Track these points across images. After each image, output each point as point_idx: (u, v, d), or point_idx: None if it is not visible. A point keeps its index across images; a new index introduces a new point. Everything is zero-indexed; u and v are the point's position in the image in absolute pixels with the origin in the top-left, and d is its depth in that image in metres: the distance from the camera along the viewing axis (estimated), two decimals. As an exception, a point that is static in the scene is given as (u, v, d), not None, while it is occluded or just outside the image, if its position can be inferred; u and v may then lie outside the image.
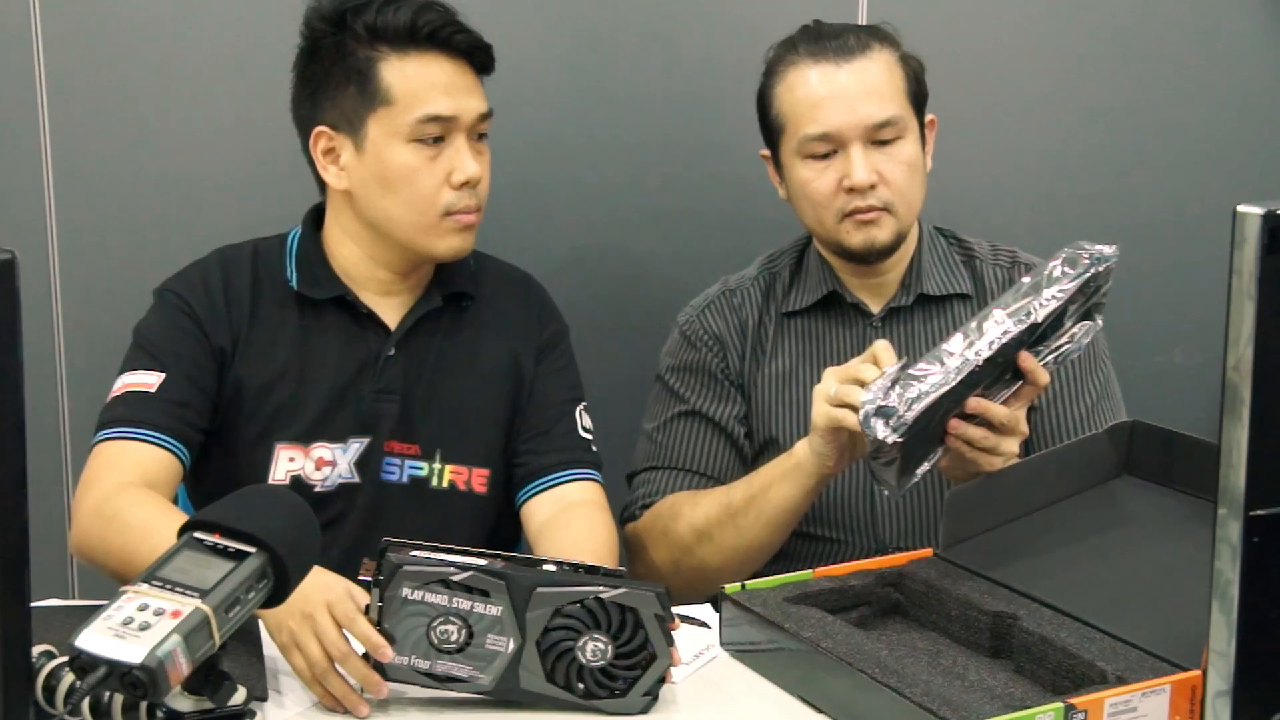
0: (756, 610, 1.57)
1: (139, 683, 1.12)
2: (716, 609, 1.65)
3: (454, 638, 1.46)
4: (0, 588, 1.10)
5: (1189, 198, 2.49)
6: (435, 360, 1.94)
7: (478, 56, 1.88)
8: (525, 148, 2.29)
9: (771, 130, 1.99)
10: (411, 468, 1.92)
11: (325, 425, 1.89)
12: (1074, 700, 1.32)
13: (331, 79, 1.85)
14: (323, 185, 1.92)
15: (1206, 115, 2.49)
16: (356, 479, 1.90)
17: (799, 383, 1.99)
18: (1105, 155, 2.49)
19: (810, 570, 1.67)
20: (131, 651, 1.12)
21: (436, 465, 1.92)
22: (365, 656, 1.47)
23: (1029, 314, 1.60)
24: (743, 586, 1.64)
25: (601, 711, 1.48)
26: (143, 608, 1.16)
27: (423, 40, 1.84)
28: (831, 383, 1.69)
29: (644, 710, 1.48)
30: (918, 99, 1.96)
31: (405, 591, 1.45)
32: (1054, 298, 1.61)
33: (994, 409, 1.65)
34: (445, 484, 1.93)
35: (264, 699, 1.50)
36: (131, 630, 1.13)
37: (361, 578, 1.48)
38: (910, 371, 1.58)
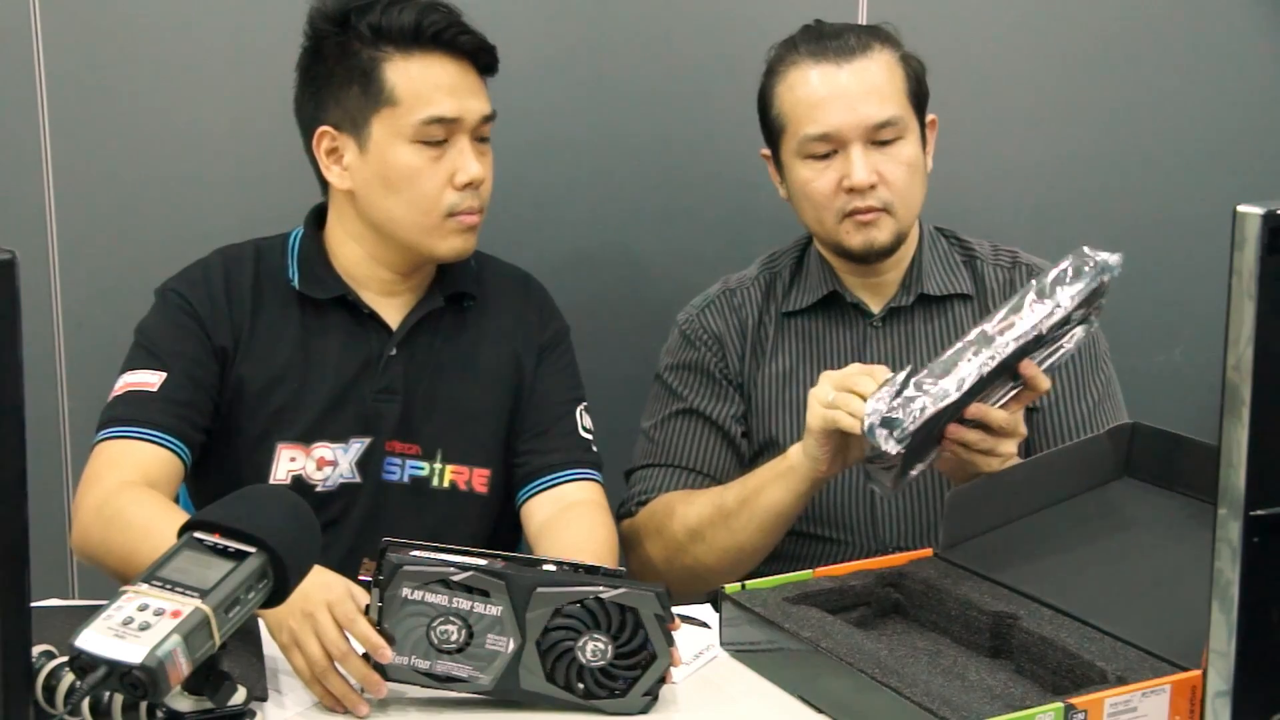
0: (756, 610, 1.57)
1: (139, 683, 1.12)
2: (716, 609, 1.65)
3: (454, 638, 1.46)
4: (0, 588, 1.10)
5: (1189, 198, 2.49)
6: (436, 360, 1.94)
7: (482, 58, 1.88)
8: (526, 148, 2.29)
9: (772, 130, 1.99)
10: (412, 468, 1.92)
11: (326, 425, 1.89)
12: (1074, 700, 1.32)
13: (335, 79, 1.86)
14: (325, 185, 1.93)
15: (1206, 115, 2.49)
16: (357, 479, 1.90)
17: (799, 383, 1.99)
18: (1105, 155, 2.49)
19: (810, 570, 1.67)
20: (131, 651, 1.12)
21: (437, 465, 1.92)
22: (365, 656, 1.47)
23: (1035, 327, 1.61)
24: (743, 586, 1.64)
25: (601, 711, 1.48)
26: (143, 608, 1.16)
27: (427, 41, 1.84)
28: (828, 389, 1.68)
29: (644, 710, 1.48)
30: (918, 99, 1.96)
31: (405, 591, 1.45)
32: (1060, 308, 1.61)
33: (992, 414, 1.65)
34: (446, 484, 1.93)
35: (264, 699, 1.50)
36: (131, 630, 1.13)
37: (361, 577, 1.48)
38: (915, 381, 1.58)
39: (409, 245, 1.88)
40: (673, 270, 2.42)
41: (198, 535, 1.24)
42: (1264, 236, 1.05)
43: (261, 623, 1.58)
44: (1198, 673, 1.33)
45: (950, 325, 2.00)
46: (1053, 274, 1.64)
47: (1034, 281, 1.65)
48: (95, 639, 1.13)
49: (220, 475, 1.87)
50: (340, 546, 1.85)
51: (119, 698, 1.23)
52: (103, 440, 1.81)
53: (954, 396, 1.58)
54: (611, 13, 2.39)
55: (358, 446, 1.90)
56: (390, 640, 1.45)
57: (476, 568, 1.46)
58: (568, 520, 1.87)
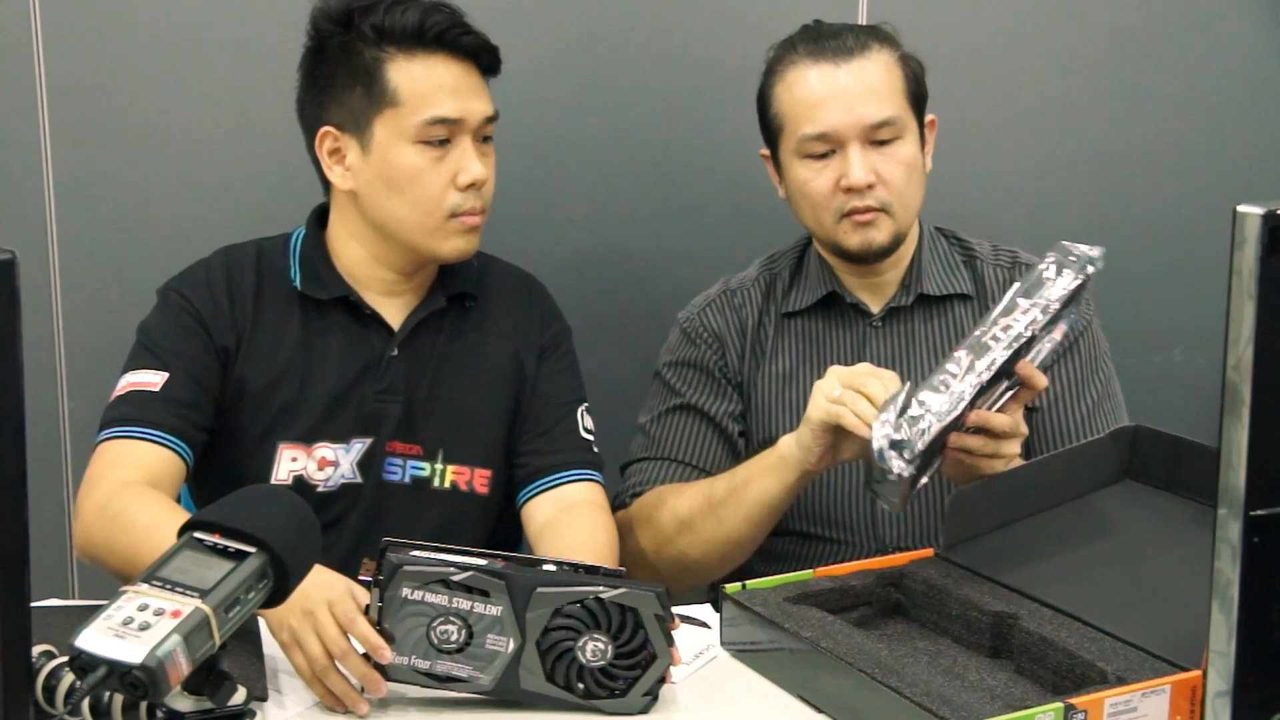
0: (757, 610, 1.58)
1: (139, 683, 1.12)
2: (717, 609, 1.65)
3: (454, 638, 1.46)
4: (0, 588, 1.10)
5: (1189, 198, 2.49)
6: (438, 361, 1.94)
7: (485, 58, 1.88)
8: (526, 148, 2.29)
9: (771, 130, 1.99)
10: (413, 468, 1.92)
11: (328, 425, 1.89)
12: (1074, 700, 1.32)
13: (338, 79, 1.86)
14: (327, 185, 1.93)
15: (1206, 115, 2.49)
16: (359, 479, 1.90)
17: (798, 384, 2.00)
18: (1105, 155, 2.49)
19: (811, 570, 1.68)
20: (131, 651, 1.12)
21: (438, 465, 1.92)
22: (365, 655, 1.47)
23: (1028, 329, 1.61)
24: (743, 586, 1.64)
25: (601, 711, 1.48)
26: (143, 608, 1.16)
27: (430, 42, 1.84)
28: (835, 384, 1.68)
29: (644, 710, 1.49)
30: (917, 99, 1.96)
31: (405, 591, 1.45)
32: (1051, 307, 1.62)
33: (994, 419, 1.65)
34: (447, 484, 1.93)
35: (264, 699, 1.50)
36: (131, 630, 1.13)
37: (362, 577, 1.48)
38: (917, 399, 1.58)
39: (411, 246, 1.88)
40: (673, 270, 2.42)
41: (198, 535, 1.24)
42: (1264, 236, 1.05)
43: (262, 622, 1.58)
44: (1198, 673, 1.33)
45: (950, 325, 2.00)
46: (1037, 273, 1.64)
47: (1019, 283, 1.65)
48: (95, 639, 1.13)
49: (222, 475, 1.87)
50: (341, 547, 1.85)
51: (119, 698, 1.23)
52: (105, 440, 1.81)
53: (957, 411, 1.58)
54: (611, 13, 2.39)
55: (359, 447, 1.90)
56: (390, 640, 1.46)
57: (476, 568, 1.46)
58: (568, 521, 1.87)
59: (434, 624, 1.46)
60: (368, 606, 1.47)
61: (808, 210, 1.96)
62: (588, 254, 2.44)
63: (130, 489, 1.73)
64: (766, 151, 2.02)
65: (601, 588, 1.47)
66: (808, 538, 1.98)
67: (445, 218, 1.85)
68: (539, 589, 1.46)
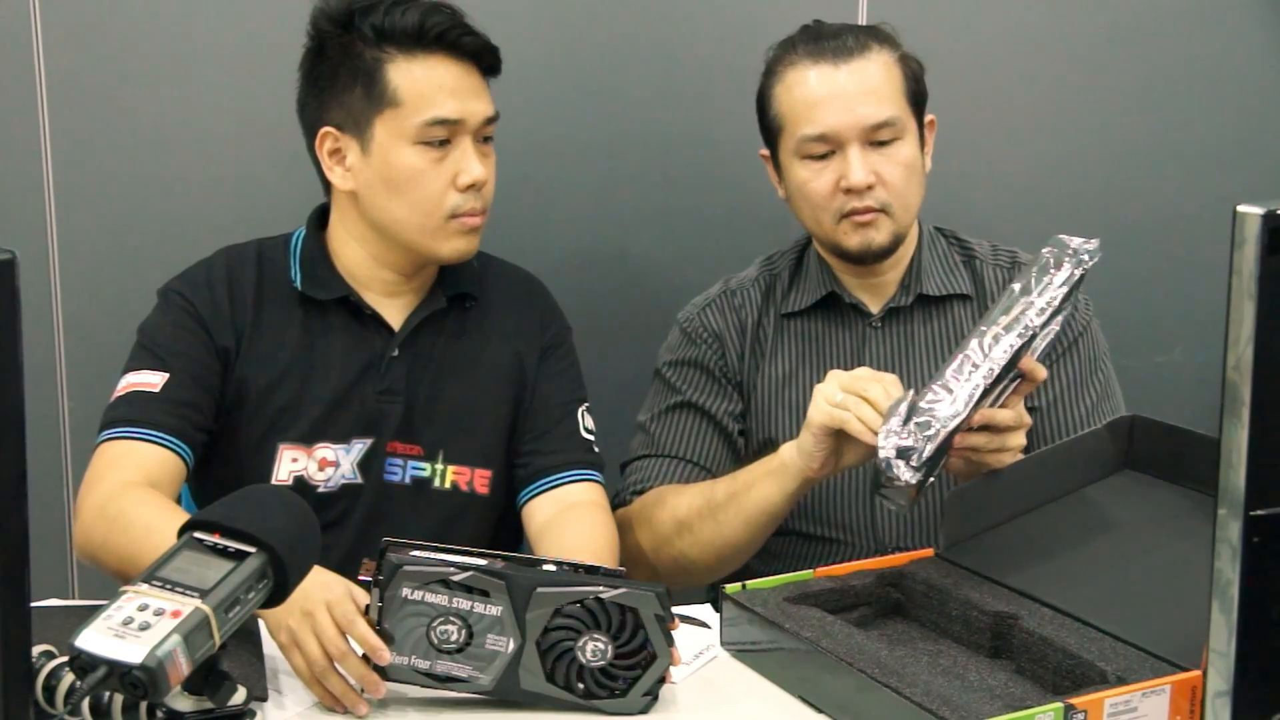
0: (757, 610, 1.58)
1: (139, 683, 1.12)
2: (717, 609, 1.65)
3: (454, 638, 1.46)
4: (0, 588, 1.10)
5: (1189, 198, 2.49)
6: (439, 361, 1.94)
7: (485, 59, 1.88)
8: (526, 148, 2.29)
9: (770, 130, 1.99)
10: (414, 468, 1.92)
11: (328, 426, 1.89)
12: (1074, 700, 1.32)
13: (338, 80, 1.86)
14: (328, 186, 1.93)
15: (1206, 115, 2.49)
16: (359, 479, 1.90)
17: (798, 384, 2.00)
18: (1105, 155, 2.49)
19: (810, 570, 1.68)
20: (131, 651, 1.12)
21: (439, 466, 1.92)
22: (365, 656, 1.47)
23: (1028, 326, 1.62)
24: (743, 586, 1.64)
25: (601, 711, 1.48)
26: (143, 608, 1.16)
27: (430, 42, 1.84)
28: (835, 389, 1.68)
29: (644, 710, 1.49)
30: (917, 99, 1.96)
31: (405, 591, 1.45)
32: (1050, 303, 1.62)
33: (998, 415, 1.65)
34: (448, 485, 1.93)
35: (264, 699, 1.50)
36: (131, 630, 1.13)
37: (361, 578, 1.48)
38: (922, 405, 1.58)
39: (411, 246, 1.88)
40: (673, 270, 2.42)
41: (198, 535, 1.24)
42: (1264, 236, 1.05)
43: (261, 623, 1.58)
44: (1198, 673, 1.33)
45: (949, 326, 2.00)
46: (1036, 269, 1.64)
47: (1017, 281, 1.65)
48: (95, 639, 1.13)
49: (222, 476, 1.87)
50: (342, 547, 1.85)
51: (119, 698, 1.23)
52: (105, 440, 1.81)
53: (963, 414, 1.58)
54: (612, 13, 2.39)
55: (359, 447, 1.90)
56: (390, 640, 1.46)
57: (476, 568, 1.46)
58: (569, 521, 1.87)
59: (434, 624, 1.46)
60: (367, 607, 1.47)
61: (807, 211, 1.96)
62: (588, 254, 2.45)
63: (130, 489, 1.73)
64: (766, 152, 2.02)
65: (601, 588, 1.47)
66: (808, 537, 1.98)
67: (445, 218, 1.85)
68: (539, 589, 1.46)
